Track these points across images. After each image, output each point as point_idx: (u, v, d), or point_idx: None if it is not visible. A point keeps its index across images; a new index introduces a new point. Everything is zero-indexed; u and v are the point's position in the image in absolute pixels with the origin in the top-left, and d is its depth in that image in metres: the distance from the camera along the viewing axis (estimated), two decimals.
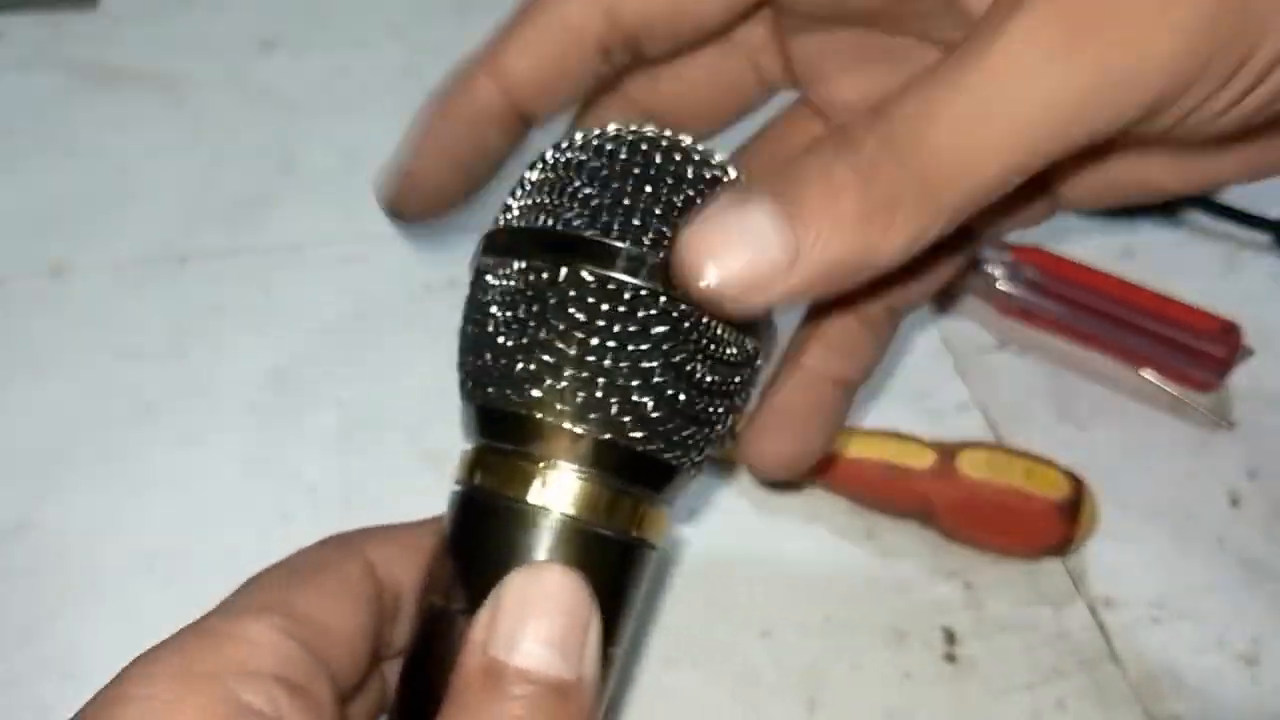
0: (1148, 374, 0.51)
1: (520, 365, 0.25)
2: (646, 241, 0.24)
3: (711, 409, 0.26)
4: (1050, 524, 0.43)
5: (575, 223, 0.25)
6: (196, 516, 0.43)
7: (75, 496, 0.44)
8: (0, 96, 0.58)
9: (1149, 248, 0.56)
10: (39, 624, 0.40)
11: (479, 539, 0.26)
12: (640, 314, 0.24)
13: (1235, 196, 0.56)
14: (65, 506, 0.43)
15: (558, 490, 0.25)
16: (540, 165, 0.27)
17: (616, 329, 0.24)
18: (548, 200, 0.26)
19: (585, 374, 0.24)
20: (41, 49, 0.61)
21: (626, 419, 0.25)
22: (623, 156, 0.25)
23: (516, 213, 0.26)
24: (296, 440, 0.46)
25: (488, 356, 0.26)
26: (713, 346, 0.25)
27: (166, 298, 0.50)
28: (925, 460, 0.44)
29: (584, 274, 0.24)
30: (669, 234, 0.24)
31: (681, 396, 0.25)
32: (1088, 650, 0.42)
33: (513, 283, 0.25)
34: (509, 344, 0.25)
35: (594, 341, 0.24)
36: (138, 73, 0.60)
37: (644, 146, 0.26)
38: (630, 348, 0.24)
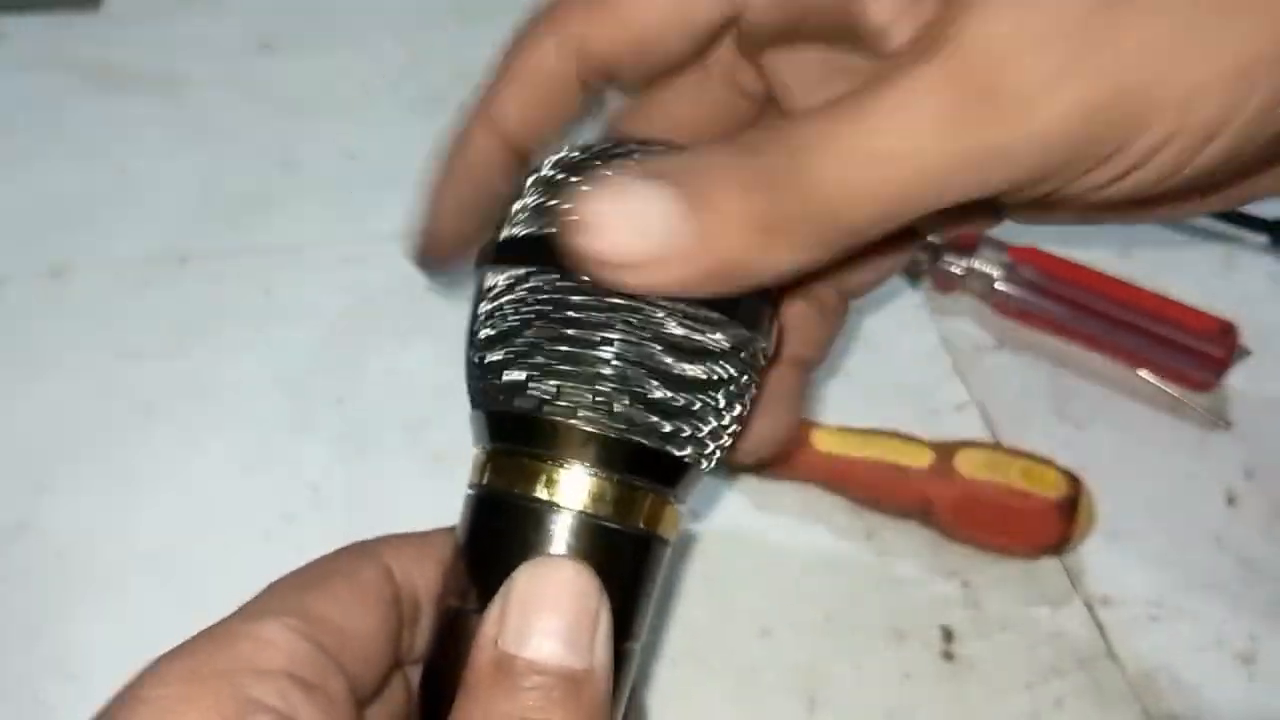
0: (1145, 374, 0.51)
1: (523, 367, 0.25)
2: None
3: (702, 402, 0.26)
4: (1048, 523, 0.43)
5: None
6: (196, 516, 0.44)
7: (75, 496, 0.44)
8: (1, 96, 0.58)
9: (1147, 248, 0.56)
10: (39, 624, 0.40)
11: (490, 538, 0.26)
12: (623, 311, 0.25)
13: None
14: (65, 506, 0.43)
15: (566, 487, 0.25)
16: (536, 178, 0.27)
17: (611, 327, 0.25)
18: (547, 206, 0.26)
19: (585, 372, 0.25)
20: (42, 49, 0.61)
21: (626, 415, 0.25)
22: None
23: (515, 221, 0.27)
24: (296, 440, 0.46)
25: (491, 360, 0.26)
26: (692, 335, 0.25)
27: (167, 298, 0.50)
28: (924, 460, 0.44)
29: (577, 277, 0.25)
30: None
31: (664, 392, 0.25)
32: (1086, 649, 0.43)
33: (513, 287, 0.26)
34: (511, 347, 0.26)
35: (591, 340, 0.25)
36: (138, 73, 0.60)
37: (618, 152, 0.26)
38: (621, 343, 0.25)
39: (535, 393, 0.25)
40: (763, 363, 0.27)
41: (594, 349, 0.25)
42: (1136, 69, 0.21)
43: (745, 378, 0.27)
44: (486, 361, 0.26)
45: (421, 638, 0.29)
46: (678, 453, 0.26)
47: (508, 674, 0.23)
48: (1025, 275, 0.51)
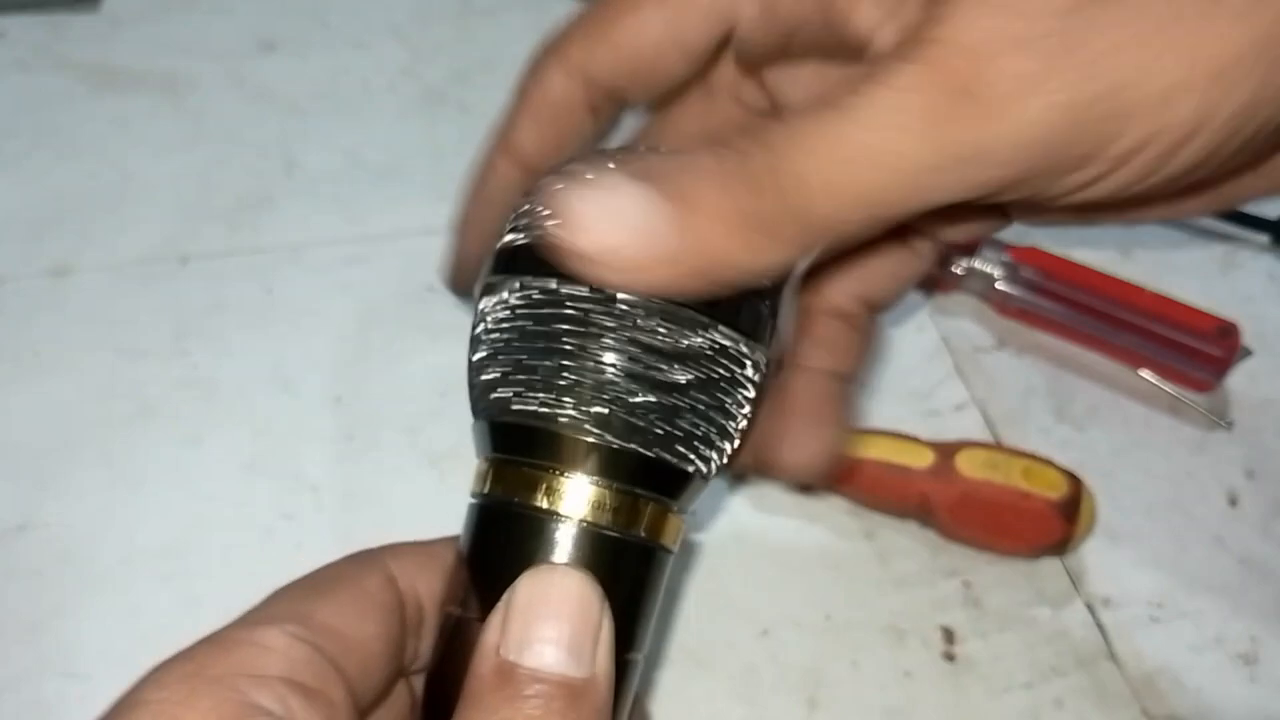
0: (1146, 374, 0.51)
1: (521, 378, 0.25)
2: None
3: (701, 409, 0.26)
4: (1049, 523, 0.43)
5: None
6: (197, 516, 0.44)
7: (76, 496, 0.44)
8: (0, 96, 0.58)
9: (1147, 248, 0.56)
10: (40, 623, 0.40)
11: (492, 547, 0.26)
12: (617, 318, 0.25)
13: None
14: (66, 506, 0.43)
15: (567, 496, 0.25)
16: (537, 191, 0.27)
17: (606, 336, 0.25)
18: (536, 214, 0.26)
19: (583, 381, 0.25)
20: (42, 49, 0.61)
21: (625, 423, 0.25)
22: None
23: (516, 234, 0.27)
24: (296, 440, 0.46)
25: (489, 371, 0.26)
26: (688, 343, 0.25)
27: (167, 298, 0.50)
28: (924, 460, 0.44)
29: (574, 287, 0.25)
30: None
31: (662, 400, 0.25)
32: (1086, 649, 0.43)
33: (507, 298, 0.26)
34: (508, 358, 0.26)
35: (587, 349, 0.25)
36: (138, 73, 0.60)
37: (599, 160, 0.26)
38: (617, 352, 0.25)
39: (534, 403, 0.25)
40: (764, 369, 0.27)
41: (590, 358, 0.25)
42: (1113, 70, 0.21)
43: (745, 385, 0.27)
44: (485, 372, 0.26)
45: (425, 646, 0.29)
46: (678, 461, 0.26)
47: (509, 682, 0.23)
48: (1025, 275, 0.51)
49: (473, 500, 0.27)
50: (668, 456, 0.26)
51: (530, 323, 0.25)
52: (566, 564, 0.25)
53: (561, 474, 0.25)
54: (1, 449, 0.45)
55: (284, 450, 0.46)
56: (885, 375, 0.50)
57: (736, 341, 0.26)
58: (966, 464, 0.43)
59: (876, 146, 0.22)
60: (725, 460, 0.27)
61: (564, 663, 0.23)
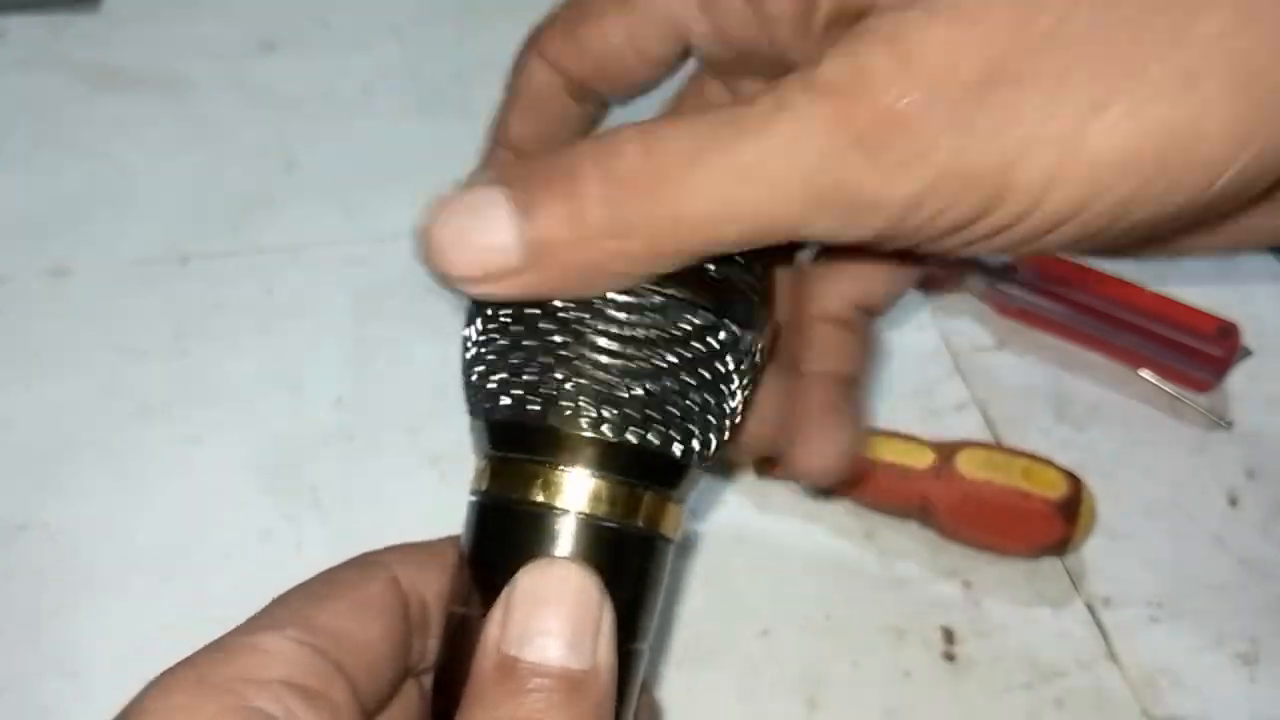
0: (1146, 374, 0.51)
1: (514, 374, 0.26)
2: None
3: (692, 397, 0.26)
4: (1049, 523, 0.43)
5: None
6: (196, 516, 0.44)
7: (76, 496, 0.44)
8: (0, 96, 0.58)
9: None
10: (40, 623, 0.40)
11: (492, 544, 0.26)
12: (604, 312, 0.25)
13: None
14: (66, 506, 0.43)
15: (564, 490, 0.25)
16: None
17: (593, 330, 0.25)
18: None
19: (575, 375, 0.25)
20: (42, 49, 0.61)
21: (619, 415, 0.25)
22: None
23: None
24: (296, 440, 0.46)
25: (482, 369, 0.26)
26: (674, 333, 0.25)
27: (168, 298, 0.50)
28: (924, 460, 0.44)
29: None
30: None
31: (654, 390, 0.25)
32: (1086, 649, 0.43)
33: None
34: (500, 355, 0.26)
35: (576, 344, 0.25)
36: (138, 73, 0.60)
37: None
38: (606, 344, 0.25)
39: (527, 400, 0.25)
40: (754, 354, 0.27)
41: (580, 353, 0.25)
42: (999, 150, 0.22)
43: (735, 370, 0.27)
44: (478, 370, 0.26)
45: (432, 646, 0.29)
46: (672, 449, 0.26)
47: (510, 677, 0.23)
48: (1025, 275, 0.51)
49: (472, 498, 0.27)
50: (662, 445, 0.26)
51: (518, 322, 0.26)
52: (565, 557, 0.25)
53: (558, 468, 0.25)
54: (1, 449, 0.45)
55: (284, 450, 0.46)
56: (885, 375, 0.50)
57: (725, 328, 0.26)
58: (967, 464, 0.43)
59: (765, 170, 0.22)
60: (720, 446, 0.27)
61: (564, 655, 0.23)
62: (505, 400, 0.26)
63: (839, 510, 0.45)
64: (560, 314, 0.25)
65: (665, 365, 0.25)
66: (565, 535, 0.25)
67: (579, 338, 0.25)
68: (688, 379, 0.26)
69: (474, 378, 0.27)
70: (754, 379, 0.28)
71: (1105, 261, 0.52)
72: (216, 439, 0.46)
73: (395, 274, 0.52)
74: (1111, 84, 0.21)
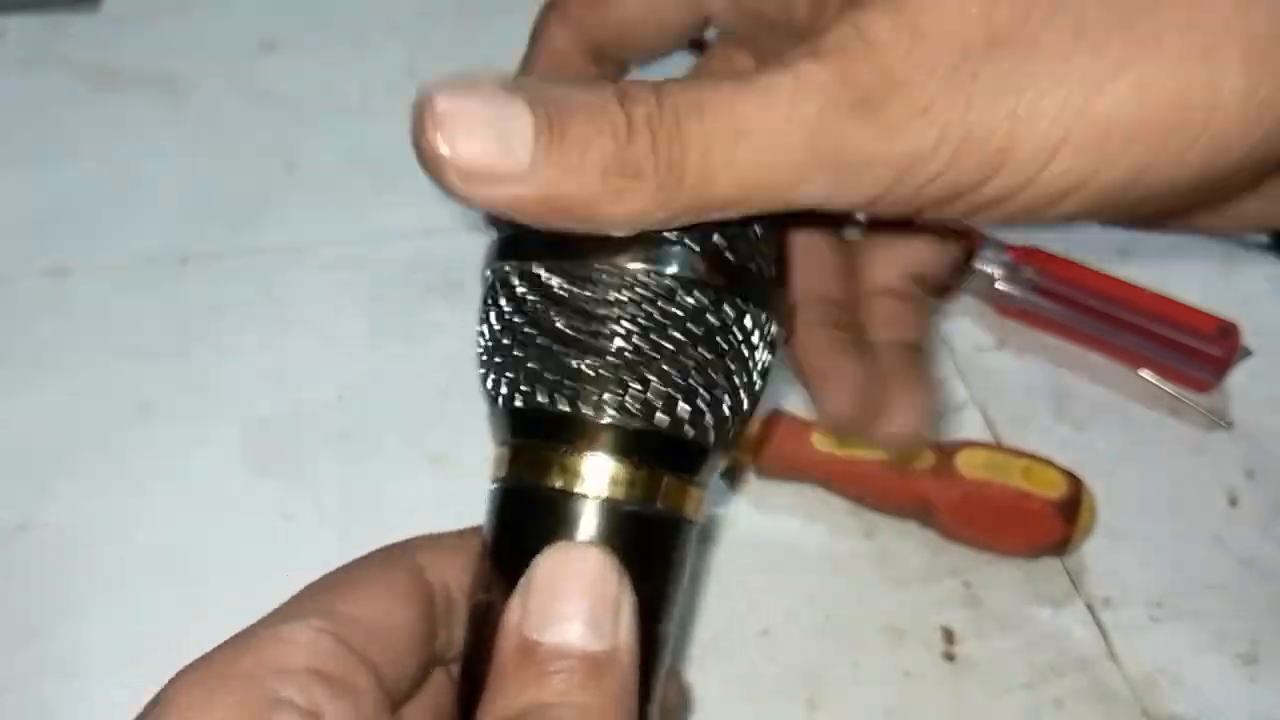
0: (1146, 374, 0.51)
1: (534, 364, 0.26)
2: None
3: (709, 378, 0.26)
4: (1049, 523, 0.43)
5: None
6: (197, 516, 0.44)
7: (76, 496, 0.44)
8: (0, 96, 0.58)
9: (1147, 248, 0.56)
10: (40, 623, 0.40)
11: (512, 530, 0.27)
12: (621, 293, 0.25)
13: None
14: (66, 506, 0.43)
15: (583, 474, 0.25)
16: None
17: (611, 314, 0.25)
18: None
19: (593, 361, 0.25)
20: (42, 49, 0.61)
21: (637, 399, 0.25)
22: None
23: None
24: (296, 440, 0.46)
25: (502, 359, 0.26)
26: (692, 315, 0.25)
27: (167, 298, 0.50)
28: (924, 460, 0.44)
29: (591, 269, 0.25)
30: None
31: (671, 372, 0.25)
32: (1086, 649, 0.43)
33: (512, 282, 0.26)
34: (520, 344, 0.26)
35: (594, 329, 0.25)
36: (138, 73, 0.60)
37: None
38: (623, 329, 0.25)
39: (545, 386, 0.25)
40: (770, 335, 0.27)
41: (596, 337, 0.25)
42: (1002, 117, 0.21)
43: (752, 351, 0.27)
44: (496, 360, 0.26)
45: (458, 634, 0.29)
46: (691, 431, 0.26)
47: (531, 660, 0.24)
48: (1025, 275, 0.51)
49: (492, 486, 0.27)
50: (678, 428, 0.26)
51: (535, 308, 0.26)
52: (584, 540, 0.25)
53: (576, 453, 0.25)
54: (1, 449, 0.45)
55: (284, 450, 0.46)
56: None
57: (738, 307, 0.26)
58: (967, 464, 0.43)
59: (766, 128, 0.22)
60: (739, 427, 0.27)
61: (585, 637, 0.24)
62: (523, 387, 0.26)
63: (839, 510, 0.45)
64: (574, 300, 0.25)
65: (678, 348, 0.25)
66: (584, 520, 0.25)
67: (592, 323, 0.25)
68: (702, 361, 0.26)
69: (491, 367, 0.27)
70: (770, 358, 0.28)
71: (1105, 262, 0.52)
72: (216, 439, 0.46)
73: (394, 274, 0.52)
74: (1124, 53, 0.21)
